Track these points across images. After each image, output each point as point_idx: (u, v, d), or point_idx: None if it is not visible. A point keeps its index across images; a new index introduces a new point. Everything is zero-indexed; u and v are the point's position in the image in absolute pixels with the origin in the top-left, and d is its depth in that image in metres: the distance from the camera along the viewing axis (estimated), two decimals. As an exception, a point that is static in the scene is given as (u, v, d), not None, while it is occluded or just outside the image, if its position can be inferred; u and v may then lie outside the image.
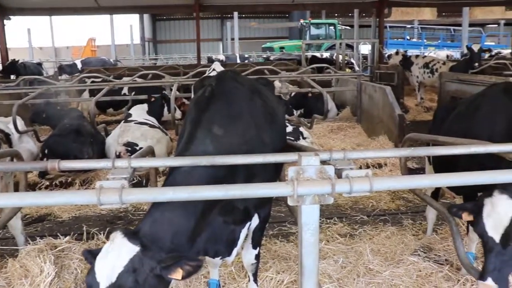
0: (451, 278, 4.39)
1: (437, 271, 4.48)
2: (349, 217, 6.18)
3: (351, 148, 8.81)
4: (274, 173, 3.80)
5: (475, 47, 13.45)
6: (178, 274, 2.50)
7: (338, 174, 2.47)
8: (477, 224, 3.24)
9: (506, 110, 3.98)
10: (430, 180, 2.52)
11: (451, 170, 2.63)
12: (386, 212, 6.34)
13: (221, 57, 29.41)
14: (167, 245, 2.64)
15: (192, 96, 7.00)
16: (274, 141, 3.64)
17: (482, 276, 3.18)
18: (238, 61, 26.62)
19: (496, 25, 39.80)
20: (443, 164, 4.37)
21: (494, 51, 22.29)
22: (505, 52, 23.07)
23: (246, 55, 32.25)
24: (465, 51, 13.43)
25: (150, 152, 4.04)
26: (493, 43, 36.79)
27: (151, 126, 8.49)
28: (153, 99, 9.47)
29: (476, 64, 13.11)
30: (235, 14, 35.93)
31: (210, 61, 24.04)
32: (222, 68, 9.76)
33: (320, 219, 5.99)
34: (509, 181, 2.75)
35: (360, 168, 7.70)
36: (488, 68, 13.69)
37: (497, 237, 3.16)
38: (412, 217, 6.08)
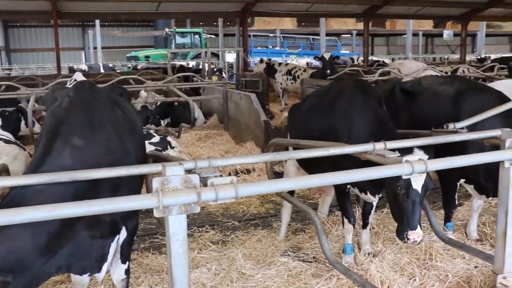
0: (319, 275, 4.59)
1: (306, 269, 4.66)
2: (221, 224, 6.22)
3: (220, 155, 8.90)
4: (140, 181, 3.72)
5: (326, 55, 14.33)
6: None
7: (204, 182, 2.46)
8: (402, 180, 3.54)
9: (363, 107, 4.35)
10: (292, 183, 2.61)
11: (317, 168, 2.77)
12: (256, 216, 6.48)
13: (84, 67, 28.18)
14: (9, 263, 2.44)
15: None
16: (137, 150, 3.56)
17: (412, 226, 3.59)
18: (102, 70, 25.64)
19: (350, 35, 42.98)
20: (309, 163, 4.60)
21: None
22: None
23: (111, 65, 31.23)
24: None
25: (3, 170, 3.72)
26: (347, 51, 39.67)
27: (7, 141, 7.82)
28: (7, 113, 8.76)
29: (328, 71, 13.90)
30: (97, 22, 34.59)
31: (72, 71, 22.86)
32: (84, 78, 9.33)
33: (192, 228, 5.98)
34: (365, 179, 2.97)
35: (230, 175, 7.83)
36: (344, 74, 14.70)
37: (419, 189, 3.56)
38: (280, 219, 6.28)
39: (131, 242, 3.68)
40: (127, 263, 3.66)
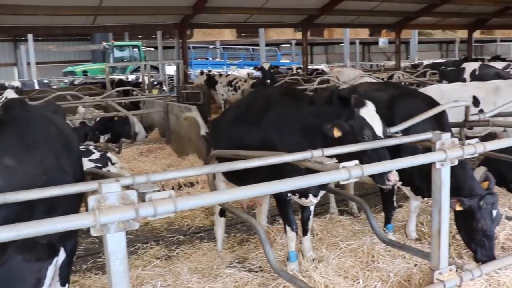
0: (266, 284, 4.61)
1: (252, 280, 4.66)
2: (166, 239, 6.15)
3: (162, 169, 8.80)
4: (79, 199, 3.61)
5: (266, 66, 14.48)
6: None
7: (142, 198, 2.43)
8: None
9: (297, 113, 4.40)
10: (232, 195, 2.62)
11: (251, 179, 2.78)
12: (201, 229, 6.44)
13: (16, 83, 27.13)
14: None
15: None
16: (74, 168, 3.46)
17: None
18: (37, 87, 24.80)
19: (289, 45, 43.63)
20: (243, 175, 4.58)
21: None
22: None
23: (46, 81, 30.24)
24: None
25: None
26: (287, 61, 40.19)
27: None
28: None
29: (268, 80, 14.03)
30: (30, 36, 33.43)
31: (3, 88, 21.97)
32: (15, 96, 8.99)
33: (136, 245, 5.87)
34: (304, 186, 3.01)
35: (173, 188, 7.75)
36: (285, 83, 14.91)
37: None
38: (226, 230, 6.25)
39: (71, 263, 3.56)
40: (67, 285, 3.53)
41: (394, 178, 3.76)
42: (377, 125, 4.02)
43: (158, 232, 6.41)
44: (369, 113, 4.02)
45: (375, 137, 3.95)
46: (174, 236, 6.21)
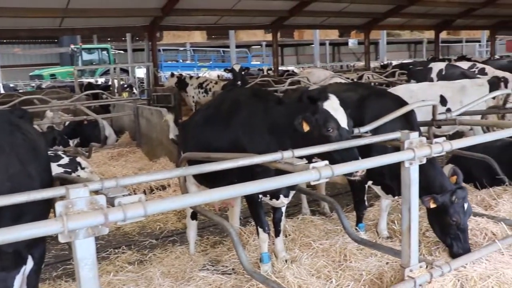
0: (239, 286, 4.59)
1: (225, 282, 4.63)
2: (138, 243, 6.08)
3: (133, 173, 8.72)
4: (48, 205, 3.53)
5: (236, 67, 14.47)
6: None
7: (111, 202, 2.40)
8: None
9: (267, 115, 4.40)
10: (202, 197, 2.60)
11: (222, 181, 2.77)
12: (174, 233, 6.39)
13: (-19, 88, 26.52)
14: None
15: None
16: (41, 174, 3.39)
17: None
18: (2, 91, 24.24)
19: (259, 46, 43.74)
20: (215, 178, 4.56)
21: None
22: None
23: (12, 85, 29.61)
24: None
25: None
26: (258, 62, 40.31)
27: None
28: None
29: (239, 82, 14.01)
30: (-6, 40, 32.74)
31: (-33, 93, 21.44)
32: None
33: (107, 250, 5.79)
34: (275, 187, 3.02)
35: (144, 192, 7.68)
36: (255, 85, 14.93)
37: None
38: (199, 233, 6.22)
39: (39, 271, 3.49)
40: (36, 294, 3.46)
41: (360, 170, 3.78)
42: (341, 117, 4.01)
43: (130, 236, 6.34)
44: (332, 106, 4.03)
45: (339, 129, 3.97)
46: (147, 240, 6.15)
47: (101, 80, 24.68)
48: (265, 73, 23.09)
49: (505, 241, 4.53)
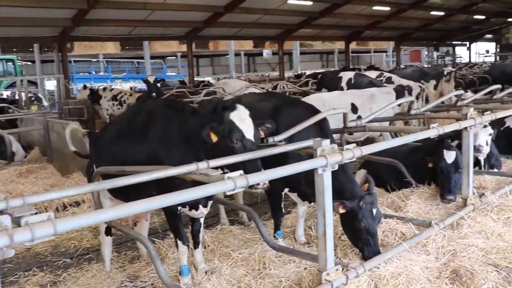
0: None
1: (145, 297, 4.55)
2: (51, 264, 5.83)
3: (44, 190, 8.31)
4: None
5: (151, 79, 14.24)
6: None
7: (17, 222, 2.27)
8: None
9: (183, 126, 4.36)
10: (116, 212, 2.53)
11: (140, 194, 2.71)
12: (89, 250, 6.18)
13: None
14: None
15: None
16: None
17: None
18: None
19: (175, 57, 43.35)
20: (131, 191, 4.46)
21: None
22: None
23: None
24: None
25: None
26: (174, 73, 39.92)
27: None
28: None
29: (154, 94, 13.76)
30: None
31: None
32: None
33: (16, 274, 5.48)
34: (191, 199, 3.00)
35: (57, 209, 7.35)
36: (171, 96, 14.80)
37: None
38: (116, 249, 6.05)
39: None
40: None
41: (262, 182, 3.78)
42: (246, 128, 4.02)
43: (42, 257, 6.04)
44: (239, 116, 4.03)
45: (243, 140, 3.97)
46: (60, 259, 5.90)
47: (6, 94, 23.35)
48: (178, 84, 22.89)
49: (413, 240, 4.78)
